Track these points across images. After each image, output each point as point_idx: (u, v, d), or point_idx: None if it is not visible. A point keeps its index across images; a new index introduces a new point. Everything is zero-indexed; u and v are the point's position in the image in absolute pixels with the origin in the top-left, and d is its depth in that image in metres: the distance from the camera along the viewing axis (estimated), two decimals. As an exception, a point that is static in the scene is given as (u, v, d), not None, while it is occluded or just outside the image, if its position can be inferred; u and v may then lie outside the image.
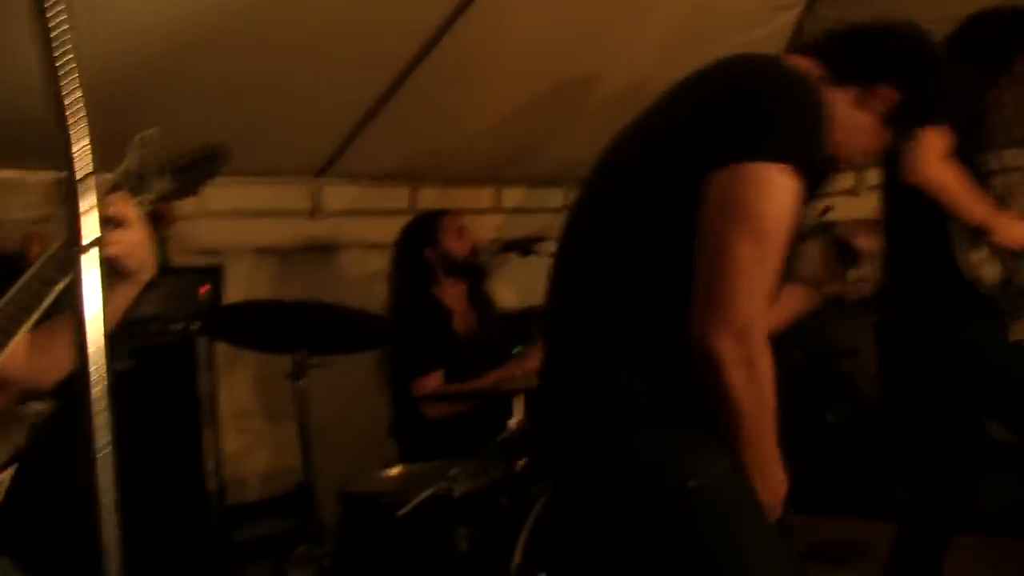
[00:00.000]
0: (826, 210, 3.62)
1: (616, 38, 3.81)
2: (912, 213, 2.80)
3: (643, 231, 1.51)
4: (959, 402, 3.12)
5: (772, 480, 1.46)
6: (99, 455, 0.77)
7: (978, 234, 2.77)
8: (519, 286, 4.26)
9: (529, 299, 4.31)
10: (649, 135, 1.61)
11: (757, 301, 1.35)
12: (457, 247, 3.48)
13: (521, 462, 2.80)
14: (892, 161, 2.79)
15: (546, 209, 4.70)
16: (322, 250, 4.15)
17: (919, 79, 1.69)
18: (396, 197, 4.26)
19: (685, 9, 3.80)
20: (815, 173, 1.46)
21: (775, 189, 1.36)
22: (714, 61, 1.58)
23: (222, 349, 3.39)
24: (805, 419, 4.61)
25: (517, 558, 2.48)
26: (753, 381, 1.36)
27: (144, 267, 1.48)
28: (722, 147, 1.40)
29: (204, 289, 3.36)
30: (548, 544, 2.52)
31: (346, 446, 3.62)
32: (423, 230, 3.54)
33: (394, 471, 2.86)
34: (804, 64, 1.63)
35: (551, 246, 3.72)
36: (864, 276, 2.00)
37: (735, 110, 1.44)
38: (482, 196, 4.48)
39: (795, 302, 1.94)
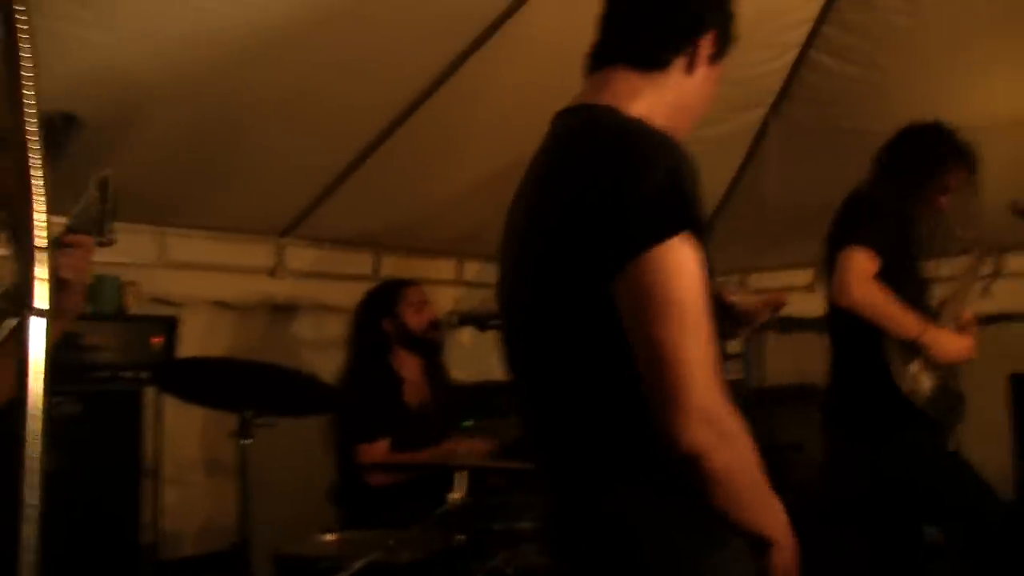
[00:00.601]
0: (779, 307, 3.73)
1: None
2: (849, 323, 2.87)
3: (578, 351, 1.46)
4: (899, 508, 3.19)
5: (784, 540, 1.42)
6: (27, 510, 0.78)
7: (911, 348, 2.85)
8: (475, 360, 4.29)
9: (484, 373, 4.35)
10: (538, 231, 1.54)
11: (705, 379, 1.31)
12: (415, 320, 3.51)
13: (461, 537, 2.81)
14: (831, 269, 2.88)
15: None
16: (281, 309, 4.17)
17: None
18: (359, 263, 4.30)
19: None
20: (706, 229, 1.40)
21: (678, 265, 1.32)
22: (565, 128, 1.61)
23: (170, 401, 3.37)
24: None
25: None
26: (735, 452, 1.33)
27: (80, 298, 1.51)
28: (613, 245, 1.34)
29: (157, 340, 3.36)
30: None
31: (286, 508, 3.57)
32: (384, 299, 3.56)
33: (331, 537, 2.84)
34: (622, 86, 1.59)
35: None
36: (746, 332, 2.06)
37: (613, 202, 1.37)
38: (444, 267, 4.53)
39: None
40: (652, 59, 1.59)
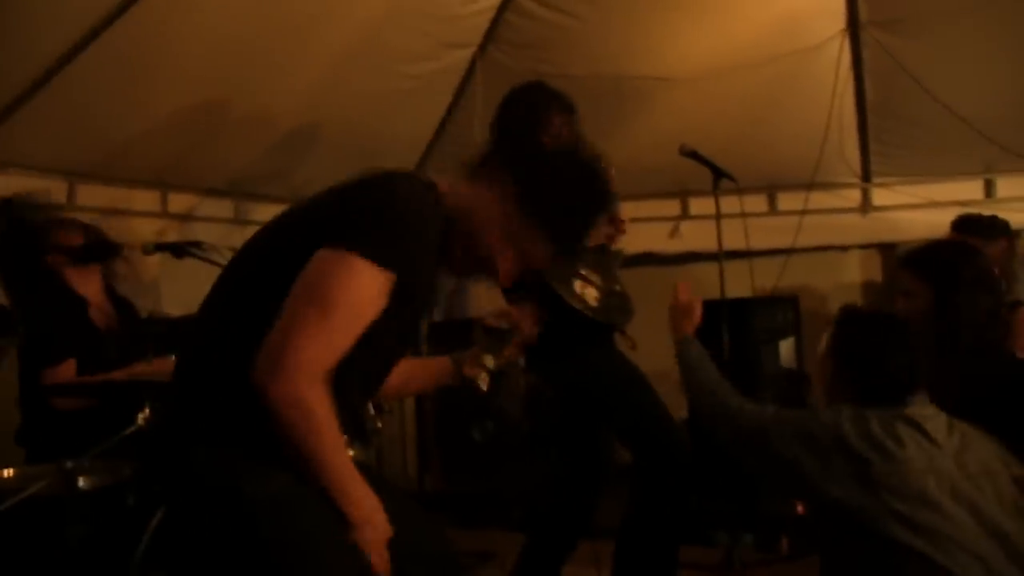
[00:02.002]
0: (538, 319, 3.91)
1: (284, 55, 3.88)
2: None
3: (251, 283, 1.72)
4: (584, 421, 3.48)
5: (360, 504, 1.62)
6: None
7: (571, 269, 3.16)
8: (177, 292, 4.16)
9: (188, 306, 4.22)
10: (292, 211, 1.82)
11: (311, 358, 1.55)
12: (74, 239, 3.31)
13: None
14: None
15: (212, 219, 4.62)
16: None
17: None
18: (52, 192, 4.01)
19: (354, 38, 3.93)
20: (408, 282, 1.65)
21: (357, 279, 1.58)
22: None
23: None
24: (451, 437, 4.87)
25: (138, 559, 2.43)
26: (305, 417, 1.55)
27: None
28: (328, 233, 1.61)
29: None
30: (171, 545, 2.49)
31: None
32: (32, 244, 3.33)
33: (8, 472, 2.69)
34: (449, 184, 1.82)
35: (211, 252, 3.69)
36: (510, 352, 2.17)
37: (348, 207, 1.67)
38: (146, 198, 4.33)
39: (431, 373, 2.22)
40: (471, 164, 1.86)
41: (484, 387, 2.09)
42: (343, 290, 1.57)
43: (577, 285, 3.20)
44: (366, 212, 1.64)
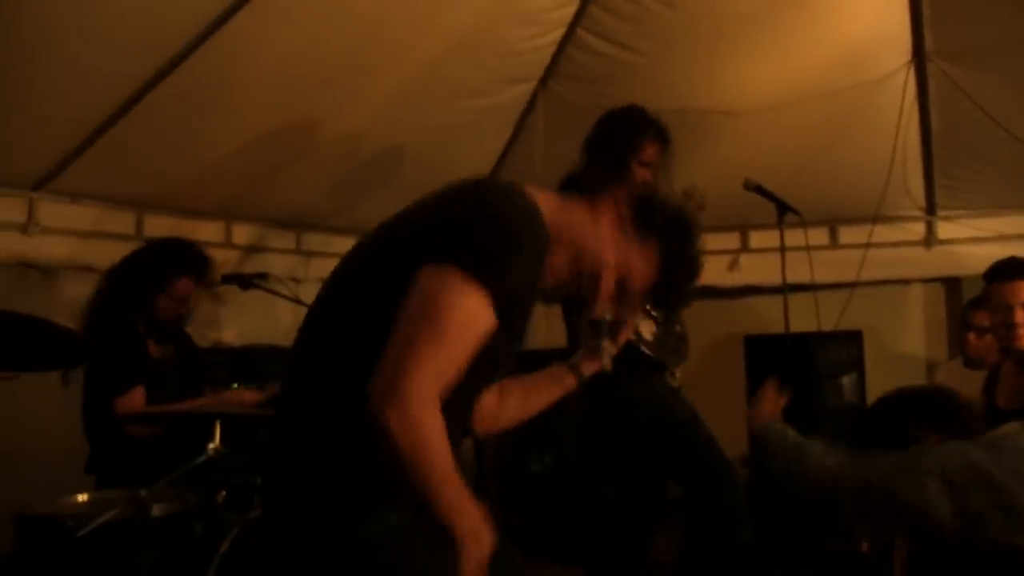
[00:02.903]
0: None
1: (345, 90, 3.95)
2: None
3: (351, 312, 1.65)
4: (637, 455, 3.45)
5: (470, 530, 1.55)
6: None
7: None
8: (239, 323, 4.23)
9: (251, 336, 4.29)
10: (379, 232, 1.75)
11: (427, 381, 1.47)
12: (168, 310, 3.38)
13: (222, 492, 2.78)
14: None
15: (276, 249, 4.70)
16: (35, 269, 3.92)
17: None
18: (121, 222, 4.11)
19: (415, 73, 3.98)
20: (514, 297, 1.59)
21: (468, 297, 1.51)
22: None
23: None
24: (509, 469, 4.85)
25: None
26: (421, 444, 1.48)
27: None
28: (430, 248, 1.54)
29: None
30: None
31: (38, 474, 3.42)
32: (155, 270, 3.39)
33: (82, 496, 2.75)
34: (539, 192, 1.75)
35: (275, 283, 3.75)
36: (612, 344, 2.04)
37: (449, 219, 1.60)
38: (211, 229, 4.42)
39: (550, 386, 2.08)
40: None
41: (609, 365, 2.00)
42: (454, 309, 1.50)
43: (638, 315, 3.19)
44: (470, 224, 1.58)
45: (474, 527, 1.54)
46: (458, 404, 1.62)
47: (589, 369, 2.05)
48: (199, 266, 3.47)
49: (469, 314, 1.52)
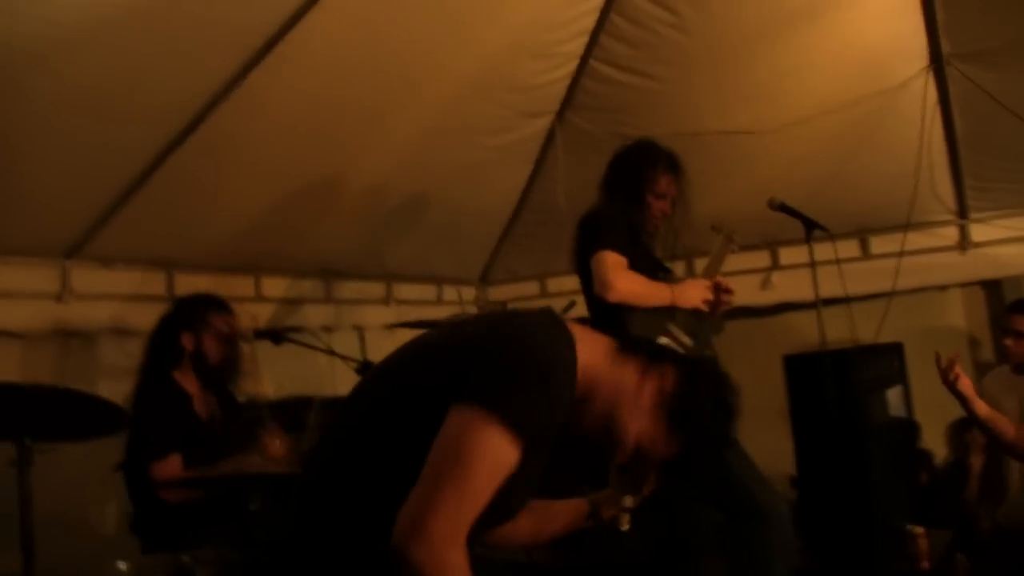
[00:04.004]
0: (571, 304, 3.91)
1: (365, 140, 3.98)
2: (600, 314, 3.16)
3: (377, 439, 1.69)
4: (677, 483, 3.40)
5: None
6: None
7: (655, 327, 3.15)
8: (274, 375, 4.24)
9: (285, 388, 4.30)
10: (410, 352, 1.79)
11: (452, 524, 1.52)
12: (214, 351, 3.42)
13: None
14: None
15: (304, 300, 4.72)
16: (72, 335, 3.97)
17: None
18: (152, 283, 4.16)
19: (433, 115, 4.01)
20: (542, 443, 1.63)
21: (496, 443, 1.55)
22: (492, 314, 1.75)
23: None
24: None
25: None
26: None
27: None
28: (465, 388, 1.58)
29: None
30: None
31: (82, 543, 3.44)
32: (189, 313, 3.45)
33: (124, 565, 2.74)
34: (590, 338, 1.78)
35: (304, 335, 3.76)
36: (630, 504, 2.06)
37: (487, 356, 1.64)
38: (241, 284, 4.45)
39: (567, 517, 2.11)
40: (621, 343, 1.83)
41: (626, 526, 2.02)
42: (483, 454, 1.55)
43: (663, 341, 3.17)
44: (506, 370, 1.61)
45: None
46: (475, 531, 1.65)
47: (608, 513, 2.08)
48: (227, 308, 3.53)
49: (497, 458, 1.56)
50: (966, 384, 3.29)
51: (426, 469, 1.54)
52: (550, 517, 2.08)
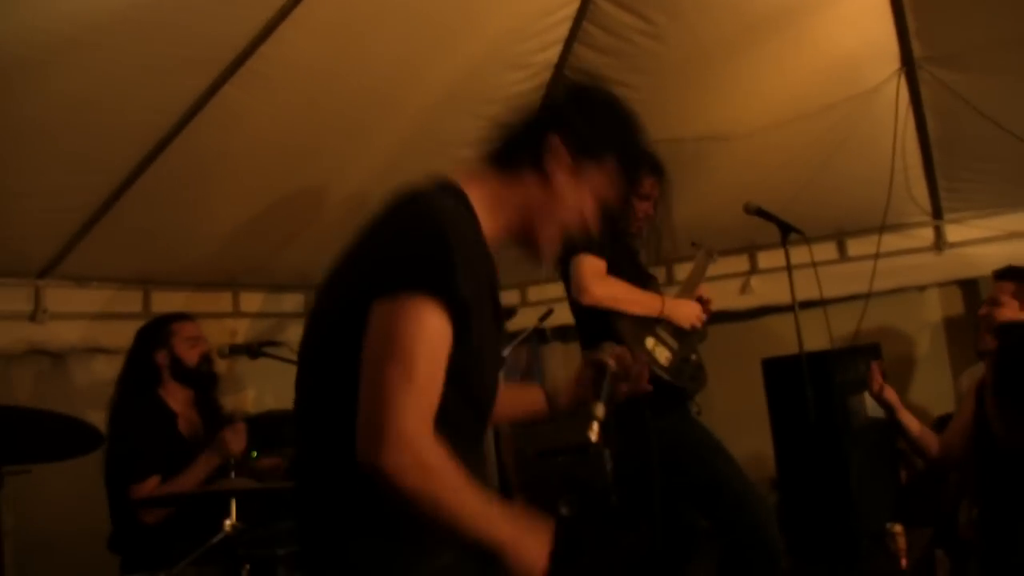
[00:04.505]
0: (548, 313, 3.90)
1: (343, 152, 3.98)
2: (586, 319, 3.17)
3: (327, 362, 1.61)
4: (666, 491, 3.40)
5: (509, 541, 1.51)
6: None
7: (643, 328, 3.13)
8: (255, 391, 4.23)
9: (267, 403, 4.28)
10: (336, 266, 1.70)
11: (411, 417, 1.44)
12: (189, 355, 3.44)
13: (246, 567, 2.76)
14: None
15: (284, 314, 4.70)
16: (48, 356, 3.95)
17: (572, 112, 1.76)
18: (128, 301, 4.14)
19: (408, 128, 4.00)
20: (478, 305, 1.55)
21: (421, 320, 1.47)
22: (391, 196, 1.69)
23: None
24: (537, 512, 4.79)
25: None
26: (431, 479, 1.45)
27: None
28: (374, 285, 1.50)
29: None
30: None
31: (62, 563, 3.41)
32: (156, 333, 3.49)
33: (105, 584, 2.73)
34: (474, 185, 1.72)
35: (283, 350, 3.75)
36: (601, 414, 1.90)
37: (382, 247, 1.57)
38: (219, 300, 4.43)
39: (529, 403, 2.06)
40: (501, 158, 1.75)
41: (595, 438, 1.80)
42: (414, 338, 1.46)
43: (649, 342, 3.18)
44: (403, 248, 1.53)
45: (512, 537, 1.51)
46: (469, 416, 1.60)
47: (565, 406, 2.01)
48: (187, 316, 3.60)
49: (428, 333, 1.48)
50: (891, 393, 3.34)
51: (365, 376, 1.47)
52: (507, 400, 1.94)
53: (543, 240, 1.75)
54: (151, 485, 3.13)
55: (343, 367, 1.52)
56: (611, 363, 1.92)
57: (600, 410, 1.84)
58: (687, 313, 3.29)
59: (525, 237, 1.75)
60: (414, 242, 1.52)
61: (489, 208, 1.70)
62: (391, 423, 1.42)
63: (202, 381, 3.48)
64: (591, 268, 3.12)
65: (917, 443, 3.32)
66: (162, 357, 3.42)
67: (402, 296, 1.47)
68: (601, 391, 1.87)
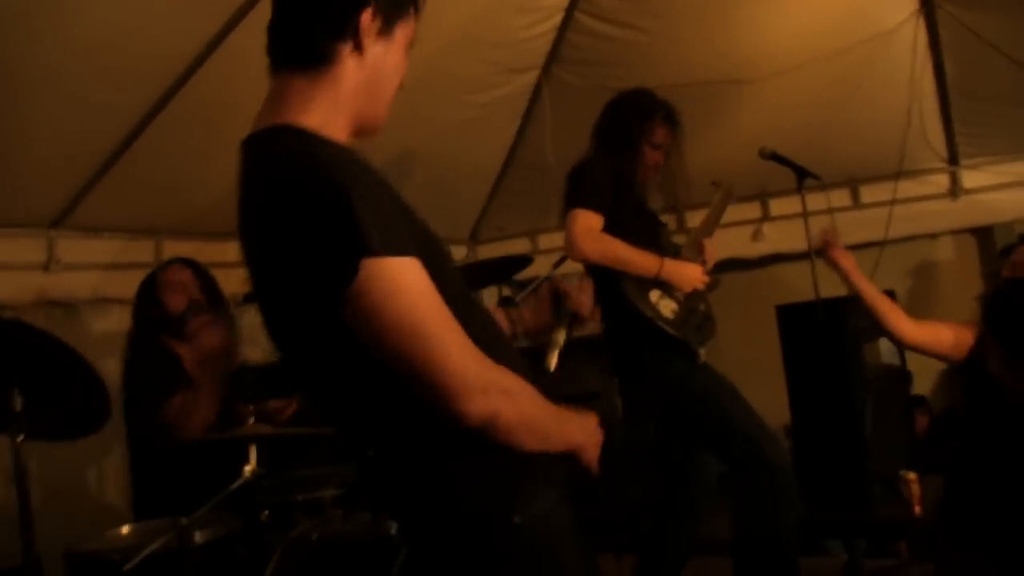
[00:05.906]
0: (562, 259, 3.88)
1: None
2: (595, 274, 3.14)
3: (328, 363, 1.50)
4: (678, 436, 3.42)
5: (586, 440, 1.58)
6: None
7: (647, 280, 3.12)
8: (264, 339, 4.22)
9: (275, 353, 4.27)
10: (258, 267, 1.60)
11: (465, 356, 1.39)
12: (173, 301, 3.38)
13: (264, 513, 2.78)
14: None
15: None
16: (60, 306, 3.95)
17: None
18: (140, 250, 4.13)
19: (419, 72, 3.93)
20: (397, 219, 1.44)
21: (397, 280, 1.36)
22: (251, 162, 1.60)
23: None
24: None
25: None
26: (518, 401, 1.44)
27: None
28: (327, 273, 1.36)
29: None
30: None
31: (82, 512, 3.44)
32: (146, 289, 3.44)
33: (125, 529, 2.75)
34: (294, 96, 1.56)
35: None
36: (560, 338, 2.00)
37: (295, 235, 1.40)
38: (231, 249, 4.41)
39: None
40: (313, 57, 1.55)
41: (552, 367, 1.92)
42: (405, 298, 1.35)
43: (654, 295, 3.16)
44: (322, 227, 1.36)
45: (584, 428, 1.59)
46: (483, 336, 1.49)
47: (527, 331, 2.01)
48: (178, 262, 3.54)
49: (413, 286, 1.38)
50: (844, 257, 3.23)
51: (393, 354, 1.36)
52: None
53: (378, 121, 1.66)
54: (178, 402, 3.13)
55: (349, 364, 1.45)
56: (570, 291, 1.96)
57: (561, 336, 1.92)
58: (687, 276, 3.23)
59: (362, 127, 1.63)
60: (329, 212, 1.36)
61: (332, 124, 1.55)
62: (454, 382, 1.36)
63: (180, 331, 3.38)
64: (583, 224, 3.07)
65: (873, 306, 3.21)
66: (154, 312, 3.38)
67: (368, 266, 1.34)
68: (561, 318, 1.94)
